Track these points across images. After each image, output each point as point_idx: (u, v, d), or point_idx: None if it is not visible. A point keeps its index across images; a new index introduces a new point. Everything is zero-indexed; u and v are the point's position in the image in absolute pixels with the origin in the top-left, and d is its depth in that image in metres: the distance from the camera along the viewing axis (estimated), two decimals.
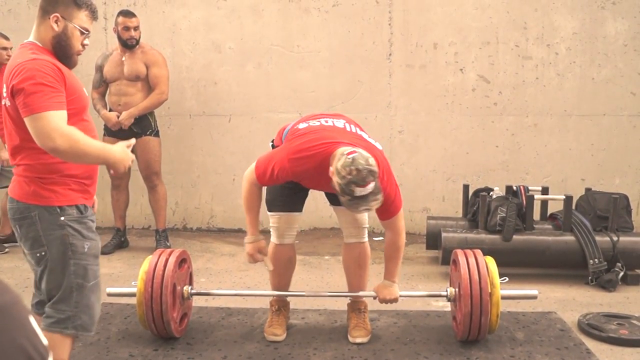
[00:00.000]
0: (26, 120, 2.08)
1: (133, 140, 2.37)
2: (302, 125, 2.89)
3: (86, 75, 5.15)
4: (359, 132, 2.90)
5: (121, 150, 2.23)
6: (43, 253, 2.20)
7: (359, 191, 2.47)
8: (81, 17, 2.24)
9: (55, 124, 2.05)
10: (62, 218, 2.18)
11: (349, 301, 3.27)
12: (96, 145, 2.16)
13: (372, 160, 2.52)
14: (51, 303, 2.23)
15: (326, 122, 2.89)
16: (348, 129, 2.86)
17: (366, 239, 3.15)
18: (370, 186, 2.48)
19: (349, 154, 2.52)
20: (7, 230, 4.99)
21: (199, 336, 3.19)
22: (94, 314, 2.28)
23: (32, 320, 0.81)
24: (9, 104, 2.14)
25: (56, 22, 2.20)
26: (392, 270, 3.00)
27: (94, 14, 2.29)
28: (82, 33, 2.25)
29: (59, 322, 2.22)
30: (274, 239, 3.14)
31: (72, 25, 2.22)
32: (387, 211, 2.80)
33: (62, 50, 2.22)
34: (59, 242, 2.18)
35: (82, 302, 2.23)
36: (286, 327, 3.22)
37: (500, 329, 3.18)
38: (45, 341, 0.81)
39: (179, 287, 3.10)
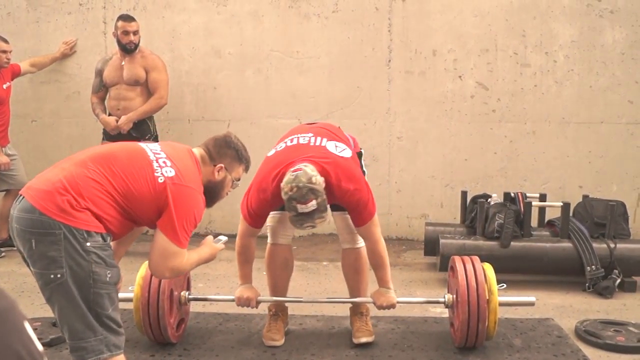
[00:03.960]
0: (160, 236, 2.19)
1: (224, 239, 2.53)
2: (270, 153, 2.97)
3: (85, 80, 5.17)
4: (327, 142, 2.88)
5: (209, 251, 2.44)
6: (59, 275, 2.04)
7: (301, 208, 2.54)
8: (238, 170, 2.48)
9: (179, 263, 2.25)
10: (89, 244, 2.07)
11: (351, 305, 3.27)
12: (193, 260, 2.36)
13: (316, 179, 2.53)
14: (73, 339, 2.09)
15: (291, 141, 2.93)
16: (312, 142, 2.87)
17: (362, 244, 3.14)
18: (312, 204, 2.53)
19: (294, 171, 2.57)
20: (3, 235, 4.97)
21: (196, 342, 3.18)
22: (120, 331, 2.18)
23: (28, 325, 0.81)
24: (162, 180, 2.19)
25: (219, 171, 2.40)
26: (383, 278, 3.01)
27: (248, 168, 2.52)
28: (233, 182, 2.44)
29: (90, 352, 2.09)
30: (269, 239, 3.20)
31: (230, 177, 2.44)
32: (361, 217, 2.84)
33: (212, 194, 2.40)
34: (80, 269, 2.06)
35: (106, 324, 2.13)
36: (284, 333, 3.22)
37: (498, 336, 3.18)
38: (40, 347, 0.81)
39: (176, 293, 3.09)
